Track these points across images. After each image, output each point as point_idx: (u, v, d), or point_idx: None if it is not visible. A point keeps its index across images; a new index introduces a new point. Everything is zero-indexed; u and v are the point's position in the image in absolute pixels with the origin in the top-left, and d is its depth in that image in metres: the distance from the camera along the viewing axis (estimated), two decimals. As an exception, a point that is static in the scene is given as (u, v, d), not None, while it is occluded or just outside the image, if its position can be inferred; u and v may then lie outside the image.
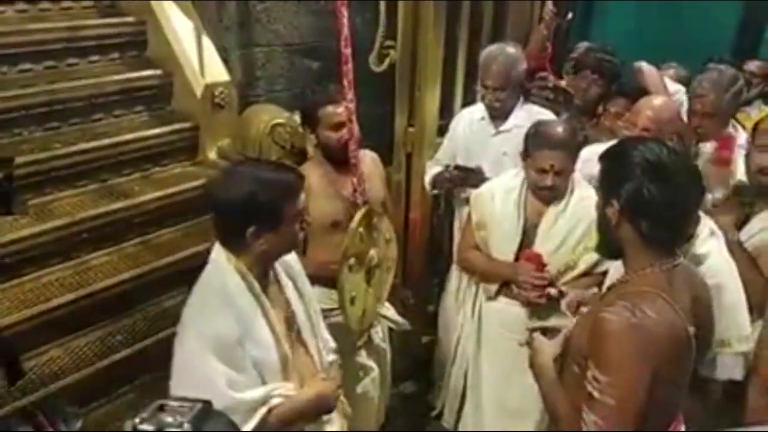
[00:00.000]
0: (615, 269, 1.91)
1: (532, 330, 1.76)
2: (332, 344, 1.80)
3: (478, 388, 2.57)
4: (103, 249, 2.63)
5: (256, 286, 1.58)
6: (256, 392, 1.52)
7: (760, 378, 1.76)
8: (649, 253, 1.41)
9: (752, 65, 3.74)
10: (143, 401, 2.45)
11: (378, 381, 2.40)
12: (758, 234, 2.03)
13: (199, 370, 1.48)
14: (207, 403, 0.98)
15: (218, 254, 1.60)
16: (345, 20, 1.81)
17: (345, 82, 1.91)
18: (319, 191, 2.16)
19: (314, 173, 2.25)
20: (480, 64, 2.65)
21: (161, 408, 0.96)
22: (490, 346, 2.48)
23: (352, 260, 1.94)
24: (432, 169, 2.86)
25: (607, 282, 2.00)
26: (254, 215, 1.53)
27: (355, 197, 2.03)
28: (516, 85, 2.63)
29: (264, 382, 1.55)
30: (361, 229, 1.95)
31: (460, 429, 2.73)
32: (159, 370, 2.48)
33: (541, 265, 2.23)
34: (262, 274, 1.63)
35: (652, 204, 1.36)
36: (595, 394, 1.32)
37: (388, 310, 2.38)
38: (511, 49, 2.67)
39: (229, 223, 1.57)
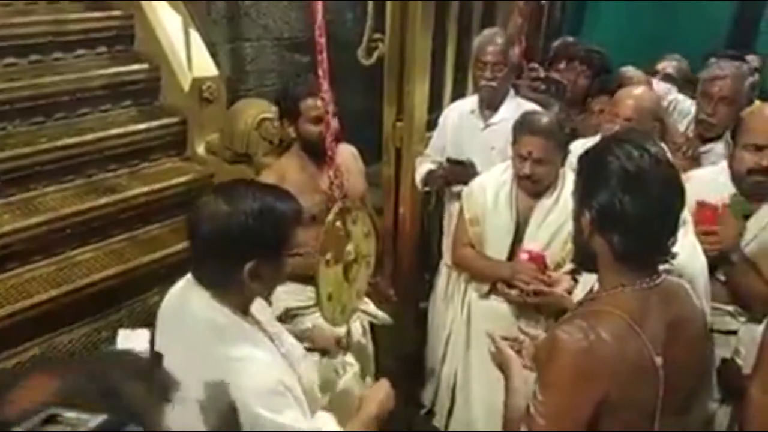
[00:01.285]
0: (586, 280, 1.85)
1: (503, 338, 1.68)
2: (300, 348, 1.61)
3: (467, 386, 2.53)
4: (89, 245, 2.61)
5: (249, 318, 1.39)
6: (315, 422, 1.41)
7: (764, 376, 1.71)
8: (622, 271, 1.29)
9: (747, 59, 3.73)
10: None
11: (359, 377, 2.37)
12: (752, 241, 1.96)
13: (259, 423, 1.28)
14: (114, 416, 0.80)
15: (198, 296, 1.33)
16: (320, 7, 1.78)
17: (320, 72, 1.87)
18: (297, 185, 2.11)
19: (293, 166, 2.21)
20: (476, 46, 2.63)
21: (51, 419, 0.78)
22: (480, 344, 2.44)
23: (328, 255, 1.90)
24: (422, 166, 2.82)
25: (577, 291, 1.97)
26: (256, 247, 1.29)
27: (332, 191, 1.99)
28: (511, 69, 2.62)
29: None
30: (337, 224, 1.91)
31: (450, 428, 2.71)
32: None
33: (543, 266, 2.17)
34: (245, 311, 1.40)
35: (625, 218, 1.23)
36: (531, 410, 1.26)
37: (368, 305, 2.35)
38: (506, 34, 2.69)
39: (221, 258, 1.30)
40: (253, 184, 1.40)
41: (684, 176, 1.47)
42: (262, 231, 1.28)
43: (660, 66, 3.26)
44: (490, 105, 2.66)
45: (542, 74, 2.96)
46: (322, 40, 1.80)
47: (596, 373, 1.22)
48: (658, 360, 1.26)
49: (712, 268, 2.04)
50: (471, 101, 2.77)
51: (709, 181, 2.05)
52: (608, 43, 3.63)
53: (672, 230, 1.29)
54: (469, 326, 2.47)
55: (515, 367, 1.47)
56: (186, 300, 1.35)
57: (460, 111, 2.77)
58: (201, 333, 1.31)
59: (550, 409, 1.24)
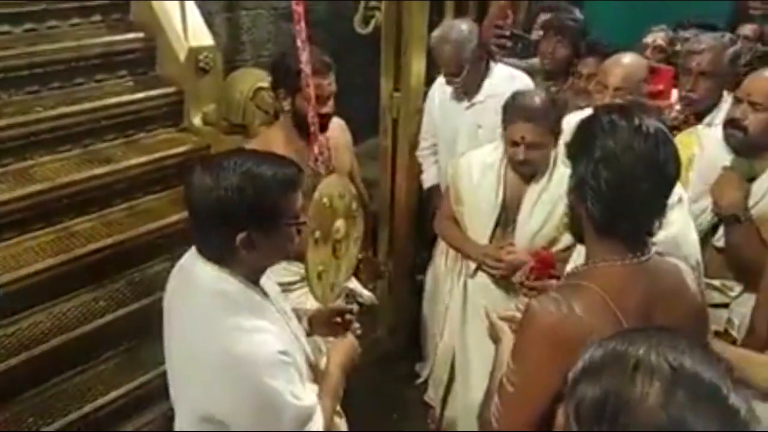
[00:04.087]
0: (578, 253, 1.85)
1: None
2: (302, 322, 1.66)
3: (466, 361, 2.51)
4: (86, 215, 2.62)
5: (259, 290, 1.40)
6: (311, 396, 1.41)
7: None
8: (606, 245, 1.27)
9: (746, 29, 3.68)
10: (129, 366, 2.46)
11: None
12: (753, 208, 1.96)
13: (260, 390, 1.29)
14: None
15: (204, 270, 1.33)
16: None
17: (299, 43, 1.85)
18: None
19: (280, 140, 2.15)
20: (431, 46, 2.57)
21: None
22: (477, 318, 2.44)
23: (317, 233, 1.87)
24: (426, 165, 2.83)
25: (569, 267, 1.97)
26: (243, 218, 1.28)
27: (317, 167, 1.97)
28: (474, 62, 2.54)
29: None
30: (324, 200, 1.88)
31: (449, 402, 2.70)
32: (144, 335, 2.52)
33: (548, 268, 2.08)
34: (255, 283, 1.40)
35: (601, 189, 1.21)
36: (503, 378, 1.28)
37: (354, 285, 2.33)
38: (462, 26, 2.56)
39: (214, 231, 1.30)
40: (241, 155, 1.36)
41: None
42: (245, 202, 1.27)
43: (650, 39, 3.17)
44: (468, 92, 2.64)
45: (507, 32, 2.88)
46: (300, 9, 1.78)
47: (564, 346, 1.19)
48: None
49: (710, 233, 2.05)
50: None
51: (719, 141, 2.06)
52: (611, 18, 3.56)
53: (658, 207, 1.27)
54: (465, 301, 2.46)
55: (505, 340, 1.47)
56: (192, 273, 1.35)
57: (444, 90, 2.73)
58: (209, 304, 1.31)
59: (518, 378, 1.25)
